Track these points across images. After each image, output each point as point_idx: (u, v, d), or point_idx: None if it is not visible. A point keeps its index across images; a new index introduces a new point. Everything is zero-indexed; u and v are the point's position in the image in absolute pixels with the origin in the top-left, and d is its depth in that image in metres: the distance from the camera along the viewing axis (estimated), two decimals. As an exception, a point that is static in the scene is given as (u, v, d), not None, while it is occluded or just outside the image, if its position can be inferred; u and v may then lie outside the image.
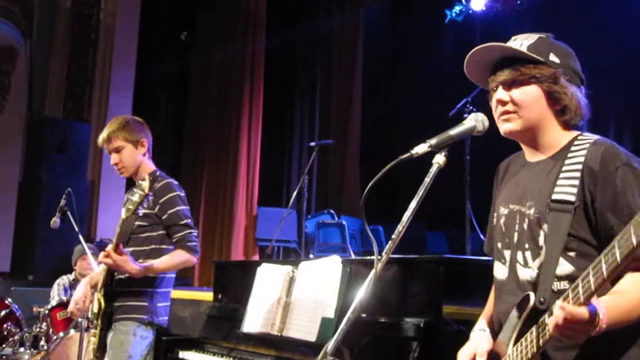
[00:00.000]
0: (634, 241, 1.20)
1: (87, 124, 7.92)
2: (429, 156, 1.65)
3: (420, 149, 1.63)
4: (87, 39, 8.35)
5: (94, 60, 8.35)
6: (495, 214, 1.84)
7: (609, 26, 6.25)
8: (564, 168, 1.62)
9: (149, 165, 3.15)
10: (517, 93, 1.69)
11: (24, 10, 7.88)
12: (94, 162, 7.96)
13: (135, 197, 2.74)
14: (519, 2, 6.95)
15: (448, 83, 7.78)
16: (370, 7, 9.18)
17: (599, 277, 1.29)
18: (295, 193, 6.38)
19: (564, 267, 1.57)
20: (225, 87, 8.88)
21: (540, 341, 1.46)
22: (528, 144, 1.76)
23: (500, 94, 1.71)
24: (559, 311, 1.33)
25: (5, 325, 4.69)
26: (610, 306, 1.40)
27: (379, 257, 1.57)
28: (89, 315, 3.06)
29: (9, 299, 4.92)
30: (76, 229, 4.43)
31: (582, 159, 1.60)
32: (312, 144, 6.65)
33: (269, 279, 2.93)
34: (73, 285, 5.13)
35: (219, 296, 3.49)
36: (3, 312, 4.75)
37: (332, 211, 7.54)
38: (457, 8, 7.40)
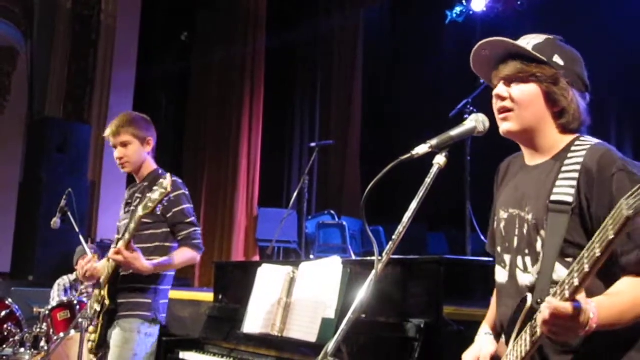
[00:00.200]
0: (611, 234, 1.22)
1: (88, 124, 7.93)
2: (429, 157, 1.65)
3: (421, 149, 1.63)
4: (88, 40, 8.36)
5: (94, 61, 8.35)
6: (495, 217, 1.84)
7: (609, 26, 6.25)
8: (563, 169, 1.62)
9: (151, 164, 3.16)
10: (516, 90, 1.69)
11: (25, 11, 7.89)
12: (94, 163, 7.96)
13: (156, 195, 2.71)
14: (519, 2, 6.95)
15: (448, 83, 7.78)
16: (371, 7, 9.19)
17: (581, 272, 1.30)
18: (295, 194, 6.38)
19: (561, 272, 1.57)
20: (225, 88, 8.89)
21: (533, 339, 1.47)
22: (527, 146, 1.76)
23: (500, 89, 1.72)
24: (545, 308, 1.34)
25: (5, 326, 4.69)
26: (603, 306, 1.40)
27: (380, 258, 1.57)
28: (89, 313, 3.06)
29: (10, 300, 4.92)
30: (77, 229, 4.42)
31: (580, 160, 1.60)
32: (313, 144, 6.65)
33: (269, 280, 2.93)
34: (74, 285, 5.13)
35: (220, 297, 3.49)
36: (3, 313, 4.75)
37: (332, 212, 7.54)
38: (458, 9, 7.40)
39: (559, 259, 1.56)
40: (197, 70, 9.39)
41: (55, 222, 4.34)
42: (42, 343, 4.46)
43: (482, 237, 4.32)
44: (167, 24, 9.32)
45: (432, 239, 7.46)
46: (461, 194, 4.79)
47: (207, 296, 4.09)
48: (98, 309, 2.98)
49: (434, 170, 1.64)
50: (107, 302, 2.92)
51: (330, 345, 1.53)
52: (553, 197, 1.60)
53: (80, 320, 3.27)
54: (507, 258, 1.75)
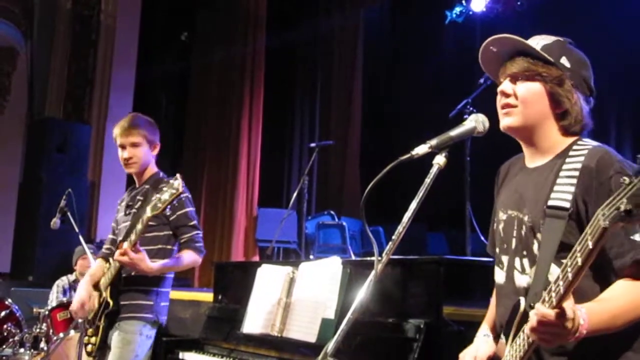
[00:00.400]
0: (590, 245, 1.26)
1: (88, 124, 7.93)
2: (429, 157, 1.65)
3: (421, 149, 1.63)
4: (88, 40, 8.36)
5: (94, 61, 8.35)
6: (495, 219, 1.85)
7: (609, 27, 6.26)
8: (561, 174, 1.62)
9: (154, 167, 3.18)
10: (521, 88, 1.69)
11: (25, 11, 7.89)
12: (94, 163, 7.97)
13: (166, 196, 2.69)
14: (519, 3, 6.95)
15: (448, 84, 7.79)
16: (370, 7, 9.19)
17: (566, 280, 1.32)
18: (295, 194, 6.38)
19: (556, 273, 1.57)
20: (225, 88, 8.89)
21: (526, 344, 1.49)
22: (526, 144, 1.77)
23: (505, 85, 1.72)
24: (533, 315, 1.37)
25: (5, 326, 4.69)
26: (593, 312, 1.42)
27: (379, 258, 1.57)
28: (88, 316, 3.06)
29: (9, 300, 4.92)
30: (76, 229, 4.43)
31: (578, 166, 1.60)
32: (313, 144, 6.65)
33: (269, 280, 2.93)
34: (73, 285, 5.12)
35: (219, 297, 3.49)
36: (3, 313, 4.75)
37: (332, 212, 7.54)
38: (458, 9, 7.40)
39: (555, 261, 1.57)
40: (197, 70, 9.39)
41: (55, 222, 4.34)
42: (42, 343, 4.46)
43: (482, 238, 4.32)
44: (167, 24, 9.32)
45: (432, 239, 7.46)
46: (461, 194, 4.78)
47: (207, 296, 4.09)
48: (97, 311, 2.97)
49: (433, 170, 1.64)
50: (110, 303, 2.92)
51: (330, 346, 1.53)
52: (550, 202, 1.60)
53: (79, 320, 3.27)
54: (504, 259, 1.76)
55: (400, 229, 1.59)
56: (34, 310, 4.84)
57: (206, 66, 9.13)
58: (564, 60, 1.69)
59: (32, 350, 4.49)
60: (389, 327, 2.41)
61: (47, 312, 4.47)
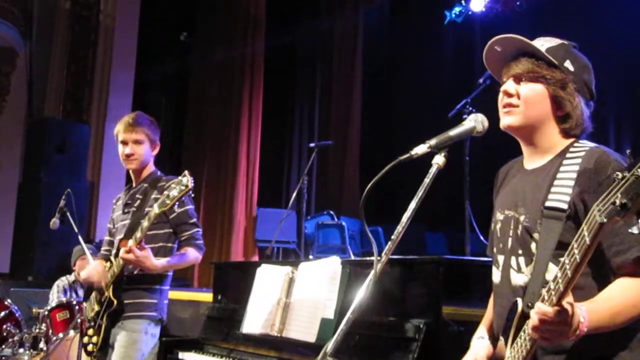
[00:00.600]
0: (588, 240, 1.27)
1: (87, 125, 7.92)
2: (428, 157, 1.65)
3: (420, 149, 1.64)
4: (87, 40, 8.36)
5: (93, 61, 8.35)
6: (492, 219, 1.86)
7: (609, 28, 6.26)
8: (559, 175, 1.63)
9: (151, 166, 3.19)
10: (524, 89, 1.70)
11: (24, 12, 7.88)
12: (93, 163, 7.96)
13: (174, 192, 2.70)
14: (518, 3, 6.95)
15: (447, 83, 7.79)
16: (370, 8, 9.19)
17: (565, 277, 1.34)
18: (294, 194, 6.38)
19: (553, 273, 1.58)
20: (225, 88, 8.88)
21: (529, 344, 1.49)
22: (526, 143, 1.77)
23: (509, 85, 1.73)
24: (534, 314, 1.38)
25: (4, 326, 4.68)
26: (593, 310, 1.43)
27: (379, 258, 1.57)
28: (88, 315, 3.05)
29: (9, 300, 4.92)
30: (76, 229, 4.42)
31: (576, 168, 1.61)
32: (312, 144, 6.65)
33: (268, 280, 2.93)
34: (73, 286, 5.12)
35: (219, 297, 3.49)
36: (2, 313, 4.74)
37: (331, 212, 7.54)
38: (457, 9, 7.40)
39: (553, 260, 1.57)
40: (197, 70, 9.39)
41: (55, 222, 4.34)
42: (41, 343, 4.45)
43: (482, 237, 4.32)
44: (166, 24, 9.32)
45: (431, 239, 7.47)
46: (460, 194, 4.78)
47: (206, 296, 4.09)
48: (99, 310, 2.97)
49: (433, 170, 1.64)
50: (114, 302, 2.91)
51: (330, 345, 1.53)
52: (548, 203, 1.61)
53: (79, 320, 3.26)
54: (500, 258, 1.77)
55: (399, 228, 1.59)
56: (34, 310, 4.84)
57: (206, 66, 9.13)
58: (568, 64, 1.71)
59: (31, 351, 4.48)
60: (389, 327, 2.41)
61: (46, 313, 4.46)
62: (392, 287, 2.50)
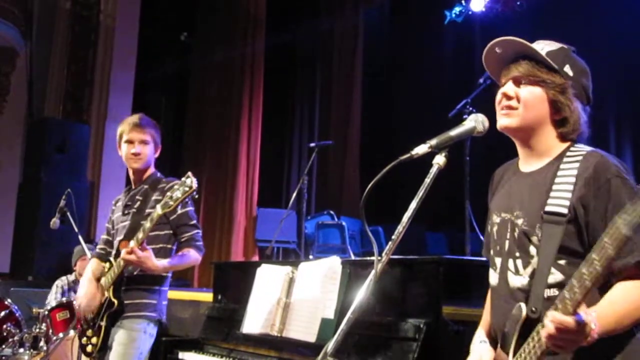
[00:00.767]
0: (611, 252, 1.26)
1: (87, 124, 7.92)
2: (429, 157, 1.65)
3: (421, 149, 1.63)
4: (87, 40, 8.35)
5: (93, 61, 8.35)
6: (489, 222, 1.86)
7: (609, 28, 6.26)
8: (557, 180, 1.64)
9: (152, 168, 3.21)
10: (524, 91, 1.70)
11: (24, 11, 7.88)
12: (93, 163, 7.96)
13: (178, 193, 2.71)
14: (518, 3, 6.95)
15: (448, 83, 7.79)
16: (370, 8, 9.19)
17: (582, 287, 1.33)
18: (295, 194, 6.38)
19: (555, 275, 1.60)
20: (225, 88, 8.88)
21: (539, 351, 1.48)
22: (522, 145, 1.77)
23: (508, 87, 1.73)
24: (550, 323, 1.37)
25: (4, 326, 4.68)
26: (602, 316, 1.43)
27: (379, 258, 1.57)
28: (87, 316, 3.05)
29: (9, 300, 4.92)
30: (76, 229, 4.43)
31: (574, 172, 1.61)
32: (312, 144, 6.65)
33: (268, 280, 2.93)
34: (73, 287, 5.12)
35: (219, 297, 3.49)
36: (3, 313, 4.74)
37: (331, 212, 7.54)
38: (457, 9, 7.40)
39: (554, 264, 1.58)
40: (197, 70, 9.39)
41: (55, 222, 4.34)
42: (41, 343, 4.45)
43: (482, 237, 4.31)
44: (166, 24, 9.32)
45: (432, 239, 7.46)
46: (460, 194, 4.78)
47: (207, 296, 4.09)
48: (99, 311, 2.97)
49: (433, 170, 1.64)
50: (114, 303, 2.92)
51: (330, 345, 1.53)
52: (548, 208, 1.61)
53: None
54: (497, 261, 1.77)
55: (400, 228, 1.59)
56: (34, 310, 4.84)
57: (206, 66, 9.13)
58: (568, 69, 1.71)
59: (31, 350, 4.48)
60: (389, 327, 2.41)
61: (46, 312, 4.46)
62: (393, 287, 2.51)
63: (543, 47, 1.73)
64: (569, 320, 1.34)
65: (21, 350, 4.53)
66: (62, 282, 5.20)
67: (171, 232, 3.05)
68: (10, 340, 4.63)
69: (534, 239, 1.64)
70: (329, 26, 9.24)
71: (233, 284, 3.47)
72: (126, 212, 3.14)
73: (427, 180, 1.62)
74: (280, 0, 8.93)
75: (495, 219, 1.80)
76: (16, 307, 4.88)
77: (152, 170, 3.20)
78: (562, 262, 1.59)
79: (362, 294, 1.56)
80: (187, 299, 4.60)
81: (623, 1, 6.46)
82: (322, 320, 2.53)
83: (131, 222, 3.03)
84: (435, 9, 7.81)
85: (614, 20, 6.26)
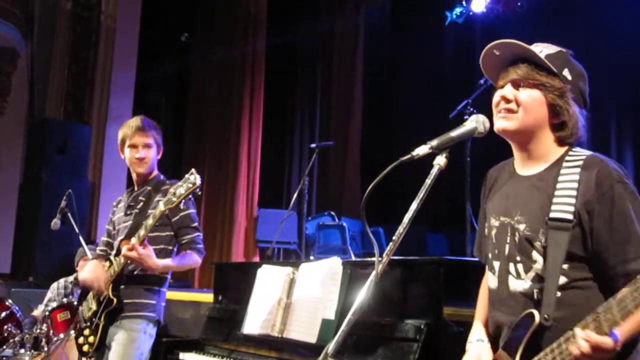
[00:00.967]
0: None
1: (88, 125, 7.93)
2: (429, 157, 1.65)
3: (421, 150, 1.63)
4: (88, 41, 8.36)
5: (94, 62, 8.36)
6: (486, 224, 1.85)
7: (609, 28, 6.26)
8: (559, 185, 1.64)
9: (155, 170, 3.21)
10: (523, 95, 1.70)
11: (25, 12, 7.89)
12: (94, 164, 7.97)
13: (181, 190, 2.69)
14: (519, 4, 6.95)
15: (448, 84, 7.79)
16: (371, 8, 9.20)
17: (624, 310, 1.35)
18: (295, 195, 6.38)
19: (560, 279, 1.60)
20: (225, 88, 8.89)
21: None
22: (519, 148, 1.77)
23: (507, 90, 1.72)
24: (584, 342, 1.39)
25: (5, 327, 4.68)
26: (624, 330, 1.43)
27: (380, 259, 1.57)
28: (85, 315, 3.05)
29: (10, 301, 4.92)
30: (77, 230, 4.43)
31: (576, 177, 1.62)
32: (313, 145, 6.65)
33: (269, 281, 2.93)
34: (69, 287, 5.12)
35: (219, 298, 3.49)
36: (3, 314, 4.75)
37: (332, 213, 7.54)
38: (458, 10, 7.40)
39: (561, 270, 1.59)
40: (197, 70, 9.39)
41: (56, 223, 4.34)
42: (42, 344, 4.45)
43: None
44: (167, 24, 9.32)
45: (432, 240, 7.46)
46: (461, 195, 4.78)
47: (207, 297, 4.09)
48: (97, 309, 2.97)
49: (434, 171, 1.64)
50: (113, 301, 2.91)
51: (331, 346, 1.53)
52: (553, 214, 1.61)
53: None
54: (496, 264, 1.77)
55: (400, 229, 1.59)
56: (35, 312, 4.85)
57: (206, 67, 9.13)
58: (566, 73, 1.70)
59: (32, 351, 4.48)
60: (389, 327, 2.41)
61: (47, 313, 4.47)
62: (393, 288, 2.51)
63: (542, 49, 1.73)
64: (607, 342, 1.37)
65: (22, 351, 4.53)
66: (59, 283, 5.19)
67: (172, 233, 3.05)
68: (11, 340, 4.63)
69: (537, 244, 1.64)
70: (330, 26, 9.24)
71: (234, 284, 3.47)
72: (128, 212, 3.14)
73: (428, 181, 1.62)
74: (281, 0, 8.93)
75: (494, 222, 1.79)
76: (17, 308, 4.88)
77: (155, 172, 3.20)
78: (565, 266, 1.59)
79: (362, 294, 1.55)
80: (187, 300, 4.60)
81: (623, 1, 6.46)
82: (322, 321, 2.53)
83: (133, 223, 3.03)
84: (436, 10, 7.82)
85: (614, 20, 6.26)
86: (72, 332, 4.21)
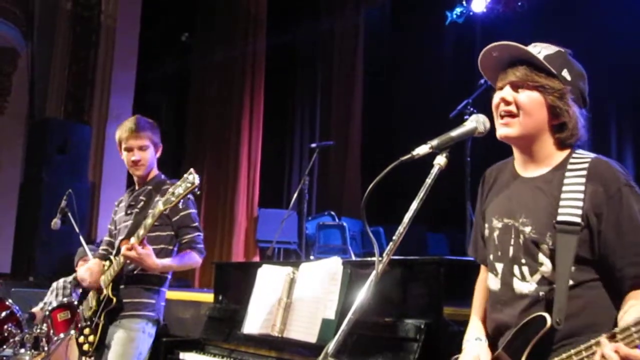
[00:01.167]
0: None
1: (88, 125, 7.93)
2: (430, 157, 1.65)
3: (422, 150, 1.63)
4: (88, 41, 8.36)
5: (94, 62, 8.36)
6: (487, 225, 1.84)
7: (609, 28, 6.26)
8: (565, 188, 1.63)
9: (155, 169, 3.20)
10: (522, 97, 1.69)
11: (25, 12, 7.89)
12: (94, 164, 7.97)
13: (180, 190, 2.69)
14: (519, 4, 6.96)
15: (448, 84, 7.79)
16: (371, 8, 9.20)
17: None
18: (295, 194, 6.38)
19: (570, 280, 1.60)
20: (225, 88, 8.89)
21: None
22: (522, 152, 1.77)
23: (506, 93, 1.72)
24: (613, 353, 1.37)
25: (5, 327, 4.68)
26: None
27: (380, 259, 1.57)
28: (85, 314, 3.05)
29: (10, 300, 4.92)
30: (77, 230, 4.43)
31: (582, 180, 1.61)
32: (313, 145, 6.65)
33: (269, 280, 2.93)
34: (67, 287, 5.12)
35: (220, 297, 3.49)
36: (4, 314, 4.75)
37: (332, 213, 7.54)
38: (458, 10, 7.41)
39: (570, 274, 1.59)
40: (197, 70, 9.39)
41: (56, 223, 4.34)
42: (42, 343, 4.45)
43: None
44: (167, 24, 9.32)
45: (432, 240, 7.46)
46: (461, 195, 4.78)
47: (207, 297, 4.09)
48: (96, 308, 2.97)
49: (434, 170, 1.64)
50: (112, 300, 2.91)
51: (331, 346, 1.53)
52: (560, 218, 1.61)
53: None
54: (499, 266, 1.76)
55: (400, 229, 1.59)
56: (35, 311, 4.85)
57: (206, 66, 9.13)
58: (565, 73, 1.70)
59: (32, 351, 4.48)
60: (390, 327, 2.41)
61: (47, 313, 4.47)
62: (393, 288, 2.51)
63: (540, 50, 1.72)
64: (636, 354, 1.36)
65: (22, 350, 4.53)
66: (58, 283, 5.19)
67: (173, 233, 3.04)
68: (11, 340, 4.63)
69: (544, 247, 1.63)
70: (330, 26, 9.24)
71: (234, 284, 3.47)
72: (129, 212, 3.14)
73: (428, 180, 1.62)
74: (281, 0, 8.93)
75: (496, 223, 1.78)
76: (17, 308, 4.88)
77: (155, 171, 3.19)
78: (572, 268, 1.60)
79: (363, 294, 1.55)
80: (188, 300, 4.60)
81: (623, 1, 6.46)
82: (323, 320, 2.53)
83: (134, 222, 3.03)
84: (436, 10, 7.82)
85: (614, 20, 6.26)
86: (72, 331, 4.22)
